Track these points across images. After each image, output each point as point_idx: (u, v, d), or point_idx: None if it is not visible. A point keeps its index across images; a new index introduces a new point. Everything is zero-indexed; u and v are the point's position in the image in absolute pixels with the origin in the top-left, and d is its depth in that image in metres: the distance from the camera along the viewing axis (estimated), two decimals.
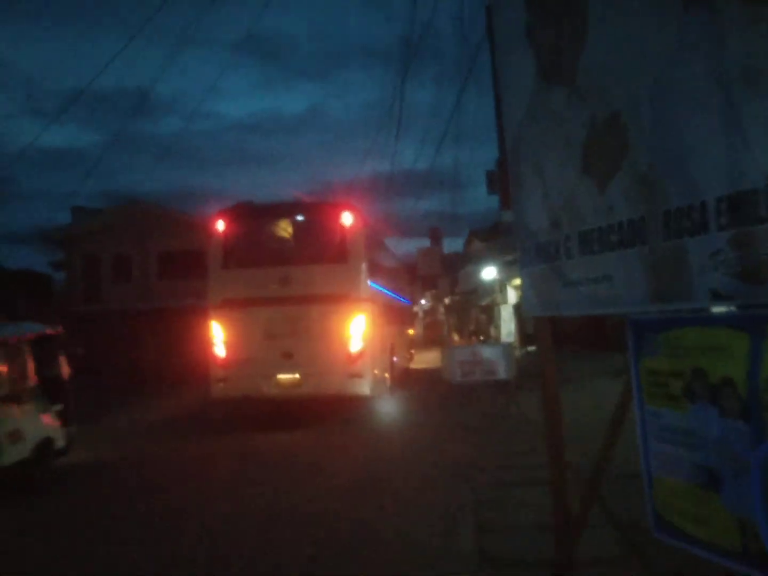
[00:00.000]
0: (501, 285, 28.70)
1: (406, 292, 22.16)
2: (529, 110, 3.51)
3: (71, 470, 8.22)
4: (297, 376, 10.49)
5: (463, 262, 43.64)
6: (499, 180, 12.76)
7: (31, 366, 7.85)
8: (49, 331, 8.43)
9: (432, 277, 51.59)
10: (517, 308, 21.06)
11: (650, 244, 2.55)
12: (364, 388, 10.42)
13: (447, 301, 52.36)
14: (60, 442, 8.06)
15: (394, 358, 13.54)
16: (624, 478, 4.08)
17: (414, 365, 20.51)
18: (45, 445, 7.70)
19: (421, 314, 55.97)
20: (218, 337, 10.92)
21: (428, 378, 15.68)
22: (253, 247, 11.45)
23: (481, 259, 29.60)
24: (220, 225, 11.29)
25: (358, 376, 10.32)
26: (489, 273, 27.91)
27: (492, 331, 31.64)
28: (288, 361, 10.49)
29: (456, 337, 46.48)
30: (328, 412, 11.03)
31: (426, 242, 55.43)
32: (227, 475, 7.54)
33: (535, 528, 4.76)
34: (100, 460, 8.97)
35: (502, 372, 10.82)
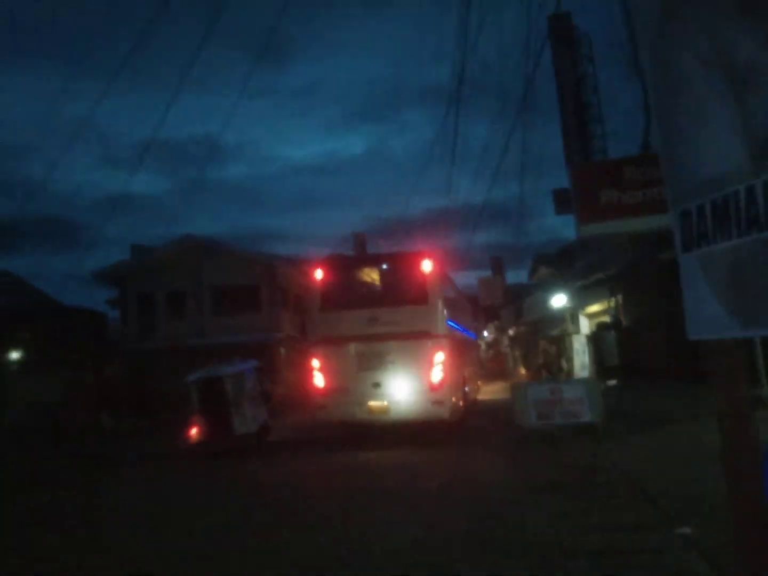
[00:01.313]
0: (572, 313, 26.61)
1: (471, 325, 23.02)
2: None
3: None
4: (385, 403, 12.06)
5: (527, 292, 41.55)
6: (578, 188, 11.10)
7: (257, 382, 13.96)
8: (260, 364, 14.91)
9: (494, 307, 49.70)
10: (593, 338, 19.09)
11: None
12: (443, 413, 11.91)
13: (511, 332, 50.11)
14: (269, 427, 13.60)
15: (466, 388, 14.95)
16: None
17: (480, 396, 21.29)
18: (263, 427, 13.36)
19: (483, 346, 53.81)
20: (317, 369, 12.55)
21: (495, 409, 16.53)
22: (346, 292, 12.99)
23: (548, 287, 27.63)
24: (318, 273, 12.96)
25: (438, 403, 11.84)
26: (558, 300, 25.92)
27: (563, 364, 29.41)
28: (377, 390, 12.11)
29: (522, 371, 44.07)
30: (410, 434, 12.41)
31: (487, 273, 53.56)
32: (340, 479, 9.23)
33: None
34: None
35: (586, 414, 9.08)
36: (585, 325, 26.48)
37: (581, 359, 27.44)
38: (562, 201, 22.43)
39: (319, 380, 12.45)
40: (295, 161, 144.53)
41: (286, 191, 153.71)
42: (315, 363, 12.54)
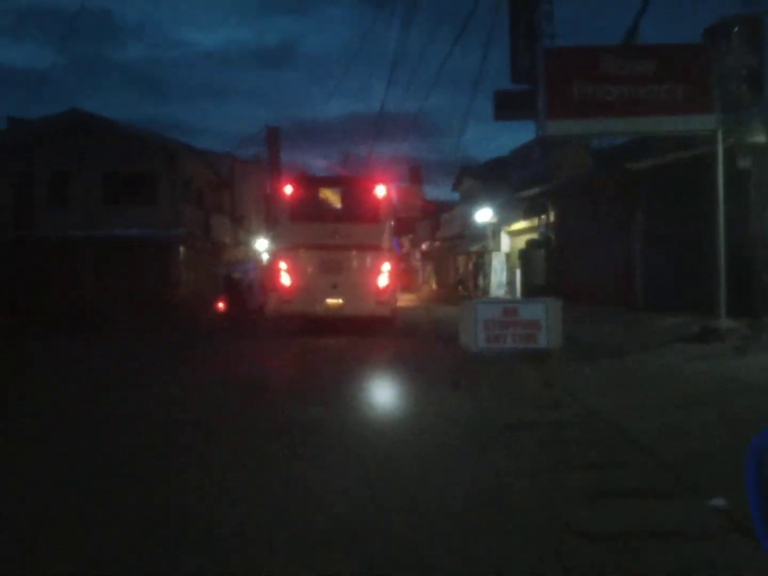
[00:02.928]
0: (494, 230, 25.60)
1: (397, 240, 25.16)
2: None
3: None
4: (341, 301, 14.35)
5: (445, 209, 40.29)
6: (548, 77, 9.40)
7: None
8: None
9: (409, 220, 48.38)
10: (522, 256, 18.04)
11: None
12: (386, 312, 14.59)
13: (424, 247, 49.26)
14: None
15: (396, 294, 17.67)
16: None
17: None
18: (260, 305, 19.16)
19: None
20: (285, 270, 14.66)
21: (413, 315, 20.28)
22: (312, 207, 14.89)
23: (473, 200, 26.36)
24: (288, 188, 14.99)
25: (383, 303, 14.46)
26: (483, 215, 24.74)
27: (479, 281, 28.72)
28: (334, 290, 14.29)
29: (434, 285, 43.54)
30: (359, 327, 14.30)
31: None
32: (299, 355, 12.08)
33: None
34: None
35: (543, 339, 7.84)
36: (506, 243, 25.61)
37: (499, 277, 26.74)
38: (505, 103, 20.81)
39: (285, 279, 14.64)
40: (201, 48, 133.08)
41: (191, 80, 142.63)
42: (282, 265, 14.78)
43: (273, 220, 17.67)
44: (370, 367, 10.01)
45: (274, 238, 17.37)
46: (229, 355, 12.18)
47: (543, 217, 18.57)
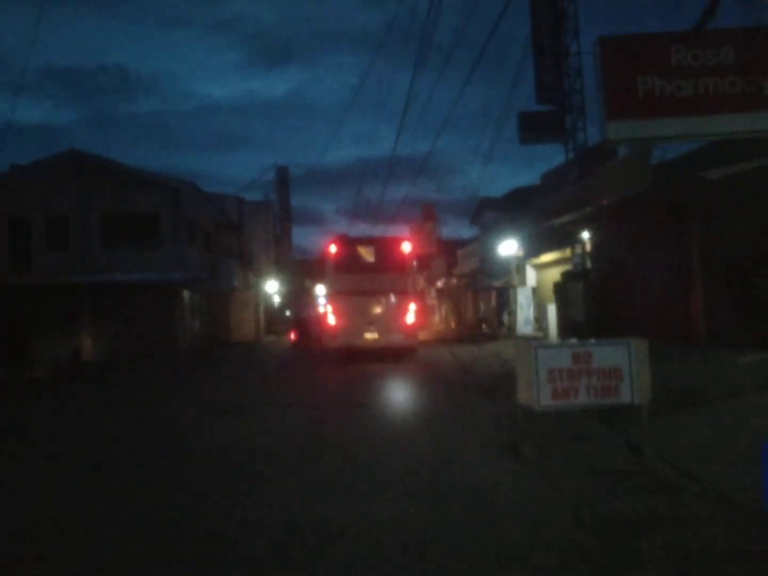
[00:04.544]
0: (519, 263, 23.89)
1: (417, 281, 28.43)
2: None
3: None
4: (376, 335, 17.75)
5: (461, 246, 38.68)
6: (609, 72, 7.84)
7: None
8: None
9: (423, 258, 46.82)
10: (557, 291, 16.29)
11: None
12: (413, 344, 18.18)
13: (439, 284, 47.58)
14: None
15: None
16: None
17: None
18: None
19: None
20: (331, 312, 18.09)
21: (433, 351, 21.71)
22: (351, 261, 18.35)
23: (494, 232, 24.74)
24: (333, 247, 18.53)
25: (410, 337, 18.01)
26: (507, 248, 23.07)
27: (504, 318, 26.86)
28: (371, 326, 17.76)
29: (452, 324, 41.67)
30: (391, 355, 17.44)
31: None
32: (344, 380, 14.06)
33: None
34: None
35: (626, 391, 6.08)
36: (532, 277, 23.86)
37: (525, 314, 24.91)
38: (530, 126, 19.37)
39: (332, 319, 18.06)
40: (212, 99, 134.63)
41: (202, 130, 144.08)
42: (329, 308, 18.44)
43: (321, 272, 21.56)
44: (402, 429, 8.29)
45: (324, 286, 21.45)
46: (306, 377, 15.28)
47: (578, 245, 16.89)
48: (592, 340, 6.68)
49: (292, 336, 26.87)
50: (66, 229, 23.70)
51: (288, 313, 46.01)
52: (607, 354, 6.24)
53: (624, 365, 6.19)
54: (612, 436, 6.57)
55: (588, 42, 15.56)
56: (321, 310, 25.27)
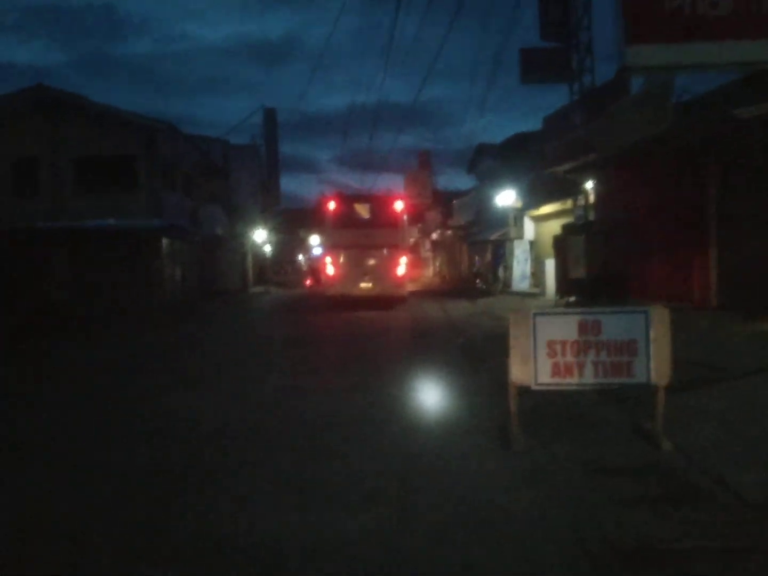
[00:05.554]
0: (516, 215, 22.63)
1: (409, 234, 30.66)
2: None
3: None
4: (371, 285, 19.91)
5: (457, 196, 37.17)
6: None
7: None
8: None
9: (418, 209, 45.36)
10: (557, 245, 15.09)
11: None
12: (403, 293, 20.32)
13: (434, 236, 46.30)
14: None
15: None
16: None
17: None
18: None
19: None
20: (330, 263, 20.41)
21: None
22: (347, 217, 20.38)
23: (491, 182, 23.37)
24: (331, 204, 20.56)
25: (401, 287, 20.19)
26: (504, 198, 21.76)
27: (500, 273, 25.73)
28: (366, 277, 19.93)
29: (446, 278, 40.59)
30: (384, 303, 19.49)
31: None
32: (339, 322, 16.15)
33: None
34: None
35: (640, 369, 5.01)
36: (530, 230, 22.64)
37: (522, 268, 23.77)
38: (533, 64, 17.80)
39: (330, 270, 20.22)
40: (205, 42, 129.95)
41: (193, 74, 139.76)
42: (328, 260, 20.44)
43: (319, 226, 23.75)
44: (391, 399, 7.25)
45: (322, 240, 23.79)
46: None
47: (581, 196, 15.62)
48: (601, 309, 5.52)
49: (308, 282, 35.01)
50: (35, 171, 22.24)
51: (281, 264, 45.27)
52: (620, 324, 5.13)
53: (640, 338, 5.08)
54: (623, 422, 5.50)
55: None
56: (320, 261, 27.13)
